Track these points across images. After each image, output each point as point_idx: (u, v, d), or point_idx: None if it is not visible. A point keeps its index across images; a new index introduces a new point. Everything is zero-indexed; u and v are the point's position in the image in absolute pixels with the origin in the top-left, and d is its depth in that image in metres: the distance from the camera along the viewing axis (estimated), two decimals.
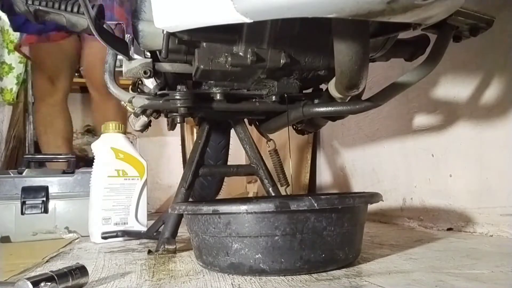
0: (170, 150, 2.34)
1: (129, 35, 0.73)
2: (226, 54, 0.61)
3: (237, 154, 1.13)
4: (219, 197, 1.17)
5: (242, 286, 0.47)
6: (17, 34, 1.78)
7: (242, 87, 0.71)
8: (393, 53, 0.75)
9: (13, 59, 2.20)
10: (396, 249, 0.67)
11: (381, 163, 1.18)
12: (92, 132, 2.30)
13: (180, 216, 0.74)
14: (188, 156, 0.88)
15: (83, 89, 2.31)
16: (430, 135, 0.97)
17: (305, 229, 0.50)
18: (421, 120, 1.00)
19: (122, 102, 0.71)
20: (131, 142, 1.02)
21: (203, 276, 0.53)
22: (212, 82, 0.69)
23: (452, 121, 0.90)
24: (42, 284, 0.42)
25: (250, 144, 0.86)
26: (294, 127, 0.91)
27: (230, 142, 1.03)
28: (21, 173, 1.09)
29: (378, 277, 0.49)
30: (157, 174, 2.35)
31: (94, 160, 0.96)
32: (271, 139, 0.90)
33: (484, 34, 0.68)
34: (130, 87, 0.76)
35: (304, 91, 0.77)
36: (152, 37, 0.60)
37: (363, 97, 0.68)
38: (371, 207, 0.60)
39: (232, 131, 0.93)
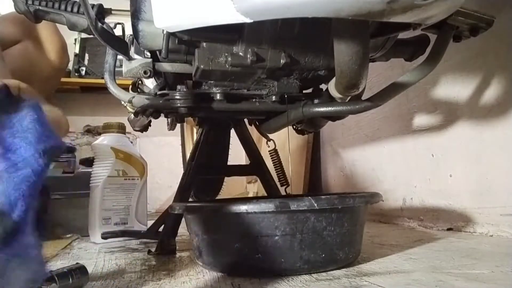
0: (170, 150, 2.34)
1: (129, 35, 0.72)
2: (226, 54, 0.61)
3: (237, 154, 1.13)
4: (219, 197, 1.17)
5: (242, 286, 0.47)
6: None
7: (242, 87, 0.71)
8: (393, 53, 0.75)
9: None
10: (396, 249, 0.67)
11: (381, 163, 1.18)
12: (92, 132, 2.30)
13: (180, 216, 0.74)
14: (188, 156, 0.88)
15: (83, 89, 2.31)
16: (430, 135, 0.97)
17: (305, 229, 0.50)
18: (421, 120, 1.00)
19: (122, 102, 0.71)
20: (131, 142, 1.02)
21: (203, 276, 0.53)
22: (212, 82, 0.69)
23: (452, 121, 0.90)
24: (42, 284, 0.42)
25: (250, 144, 0.86)
26: (294, 127, 0.91)
27: (230, 142, 1.03)
28: None
29: (378, 277, 0.49)
30: (157, 174, 2.34)
31: (94, 160, 0.96)
32: (271, 139, 0.90)
33: (484, 34, 0.68)
34: (130, 87, 0.76)
35: (304, 91, 0.76)
36: (152, 37, 0.60)
37: (363, 97, 0.68)
38: (371, 207, 0.60)
39: (232, 131, 0.92)
